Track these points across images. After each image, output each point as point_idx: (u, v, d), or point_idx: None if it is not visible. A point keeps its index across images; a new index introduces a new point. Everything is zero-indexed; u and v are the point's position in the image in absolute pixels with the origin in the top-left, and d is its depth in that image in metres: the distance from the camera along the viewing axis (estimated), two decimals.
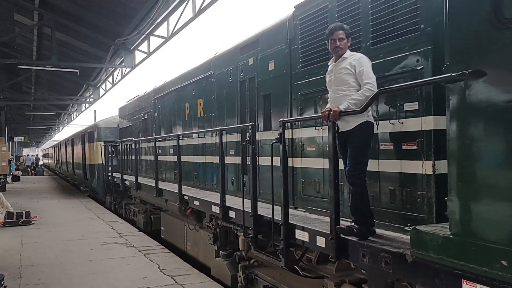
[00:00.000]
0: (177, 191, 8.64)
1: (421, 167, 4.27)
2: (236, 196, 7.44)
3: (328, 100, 4.76)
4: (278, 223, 5.31)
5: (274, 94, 6.64)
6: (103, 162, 16.27)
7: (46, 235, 11.14)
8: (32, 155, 55.96)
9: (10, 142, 40.45)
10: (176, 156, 10.32)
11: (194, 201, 7.95)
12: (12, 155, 39.39)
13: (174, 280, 7.25)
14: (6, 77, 25.39)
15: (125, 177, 12.95)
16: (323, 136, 5.60)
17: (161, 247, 9.76)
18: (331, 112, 4.42)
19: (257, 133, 7.07)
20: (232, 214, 6.69)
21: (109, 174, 15.35)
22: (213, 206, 7.21)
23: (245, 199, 7.15)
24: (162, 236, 10.69)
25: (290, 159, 6.29)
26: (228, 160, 7.89)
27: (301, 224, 5.17)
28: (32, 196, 21.33)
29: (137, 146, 11.78)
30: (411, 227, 3.73)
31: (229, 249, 7.50)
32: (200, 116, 9.08)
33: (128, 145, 13.66)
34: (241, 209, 6.40)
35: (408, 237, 4.40)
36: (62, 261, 8.47)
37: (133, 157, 12.77)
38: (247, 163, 7.37)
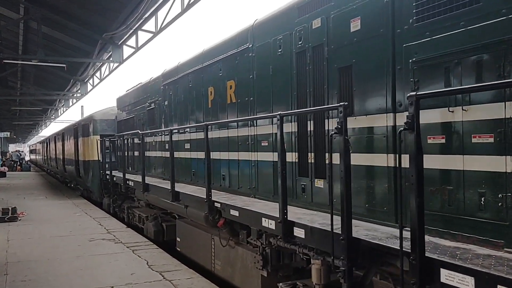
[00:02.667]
0: (202, 196, 6.43)
1: None
2: (289, 205, 5.26)
3: None
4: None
5: (360, 65, 4.47)
6: (100, 159, 13.74)
7: (33, 231, 10.49)
8: (16, 151, 52.92)
9: None
10: (193, 153, 8.12)
11: (231, 210, 5.74)
12: None
13: (163, 276, 6.77)
14: None
15: (127, 176, 10.54)
16: (464, 121, 3.44)
17: (149, 243, 8.98)
18: None
19: (327, 120, 4.88)
20: (298, 232, 4.48)
21: (107, 172, 12.86)
22: (264, 219, 5.01)
23: (309, 211, 5.08)
24: (178, 249, 8.38)
25: (386, 156, 4.19)
26: (276, 157, 5.71)
27: (454, 261, 3.03)
28: (19, 192, 19.96)
29: (144, 141, 9.37)
30: None
31: (283, 275, 5.32)
32: (231, 102, 6.84)
33: (130, 140, 11.28)
34: (312, 225, 4.33)
35: None
36: (49, 258, 7.95)
37: (136, 153, 10.47)
38: (309, 161, 5.19)
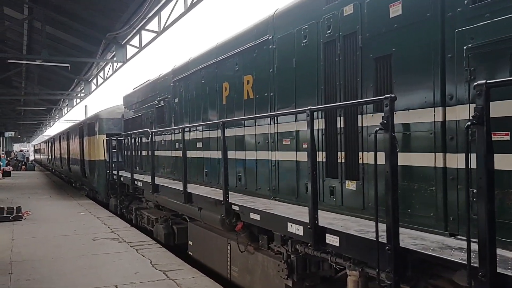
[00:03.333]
0: (218, 198, 5.92)
1: None
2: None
3: None
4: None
5: (401, 54, 3.96)
6: (106, 158, 13.16)
7: (37, 230, 10.32)
8: (21, 151, 52.46)
9: (1, 138, 37.27)
10: (206, 152, 7.60)
11: (252, 213, 5.22)
12: (2, 151, 36.34)
13: (166, 275, 6.62)
14: None
15: (135, 176, 9.99)
16: None
17: (153, 242, 8.78)
18: None
19: (361, 116, 4.37)
20: (331, 240, 3.96)
21: (114, 172, 12.28)
22: (290, 224, 4.49)
23: (339, 215, 4.57)
24: (189, 253, 7.83)
25: (433, 155, 3.69)
26: (300, 156, 5.21)
27: None
28: (23, 191, 19.66)
29: (153, 140, 8.79)
30: None
31: (310, 285, 4.80)
32: (248, 98, 6.32)
33: (138, 139, 10.73)
34: (349, 232, 3.84)
35: None
36: (53, 257, 7.78)
37: (144, 153, 9.94)
38: (339, 161, 4.67)
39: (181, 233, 8.37)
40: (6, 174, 31.22)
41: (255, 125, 6.14)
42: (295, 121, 5.28)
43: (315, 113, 4.81)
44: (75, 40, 16.75)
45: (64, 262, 7.43)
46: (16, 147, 70.62)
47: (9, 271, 6.93)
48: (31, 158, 58.98)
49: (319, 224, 4.11)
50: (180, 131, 7.01)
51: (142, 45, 14.18)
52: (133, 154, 10.82)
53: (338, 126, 4.66)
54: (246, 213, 5.38)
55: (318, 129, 4.88)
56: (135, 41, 14.58)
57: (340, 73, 4.63)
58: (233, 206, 5.69)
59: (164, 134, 9.51)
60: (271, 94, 5.78)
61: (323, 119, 4.87)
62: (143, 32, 13.83)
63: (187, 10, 10.35)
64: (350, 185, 4.54)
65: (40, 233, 9.97)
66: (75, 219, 12.00)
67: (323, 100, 4.86)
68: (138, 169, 10.97)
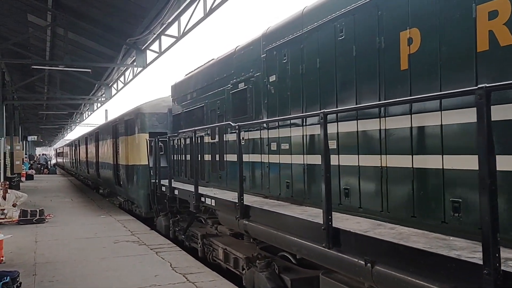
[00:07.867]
0: (441, 252, 2.51)
1: None
2: None
3: None
4: None
5: None
6: (151, 164, 9.33)
7: (60, 233, 9.70)
8: (43, 154, 48.96)
9: (24, 141, 34.46)
10: (349, 157, 4.15)
11: None
12: (25, 154, 33.22)
13: (186, 278, 5.98)
14: (20, 77, 21.96)
15: (201, 190, 6.37)
16: None
17: (173, 245, 8.15)
18: None
19: None
20: None
21: (163, 182, 8.51)
22: None
23: None
24: None
25: None
26: None
27: None
28: (46, 194, 18.20)
29: (240, 139, 5.05)
30: None
31: None
32: (493, 48, 2.80)
33: (197, 139, 7.17)
34: None
35: None
36: (75, 259, 7.21)
37: (206, 157, 6.46)
38: None
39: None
40: (29, 177, 28.59)
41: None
42: None
43: None
44: (96, 45, 15.65)
45: (86, 264, 6.94)
46: (38, 150, 66.84)
47: (33, 272, 6.48)
48: (53, 161, 54.49)
49: None
50: (321, 118, 3.42)
51: (162, 50, 13.15)
52: (197, 159, 7.02)
53: None
54: None
55: None
56: (155, 46, 13.65)
57: None
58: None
59: (248, 131, 5.95)
60: None
61: None
62: (162, 37, 12.85)
63: (207, 15, 9.41)
64: None
65: (63, 236, 9.33)
66: (96, 221, 11.15)
67: None
68: (200, 180, 7.26)
